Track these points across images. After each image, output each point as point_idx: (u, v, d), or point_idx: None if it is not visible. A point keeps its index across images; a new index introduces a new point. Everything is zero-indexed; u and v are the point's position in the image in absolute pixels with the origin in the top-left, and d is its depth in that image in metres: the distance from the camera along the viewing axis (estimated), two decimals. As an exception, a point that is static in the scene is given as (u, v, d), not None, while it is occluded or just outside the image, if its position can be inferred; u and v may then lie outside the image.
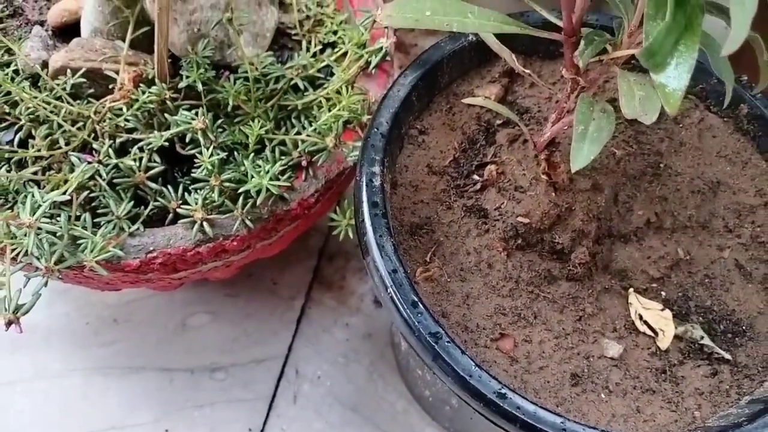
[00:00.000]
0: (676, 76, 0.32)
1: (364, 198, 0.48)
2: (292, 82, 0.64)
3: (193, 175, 0.57)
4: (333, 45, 0.71)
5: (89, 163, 0.56)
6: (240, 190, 0.56)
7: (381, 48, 0.62)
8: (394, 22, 0.39)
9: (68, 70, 0.61)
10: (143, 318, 0.77)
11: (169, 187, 0.58)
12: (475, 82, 0.58)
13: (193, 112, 0.59)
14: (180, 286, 0.66)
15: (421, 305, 0.44)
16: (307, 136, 0.59)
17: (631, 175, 0.54)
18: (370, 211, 0.47)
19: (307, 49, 0.69)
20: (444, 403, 0.65)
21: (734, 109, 0.57)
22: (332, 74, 0.66)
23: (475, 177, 0.54)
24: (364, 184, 0.48)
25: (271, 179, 0.56)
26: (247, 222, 0.56)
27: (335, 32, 0.71)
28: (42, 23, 0.70)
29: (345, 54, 0.67)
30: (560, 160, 0.50)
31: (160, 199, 0.58)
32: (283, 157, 0.59)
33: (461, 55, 0.57)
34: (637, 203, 0.53)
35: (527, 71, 0.47)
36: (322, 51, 0.70)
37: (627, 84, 0.37)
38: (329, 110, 0.61)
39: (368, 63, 0.64)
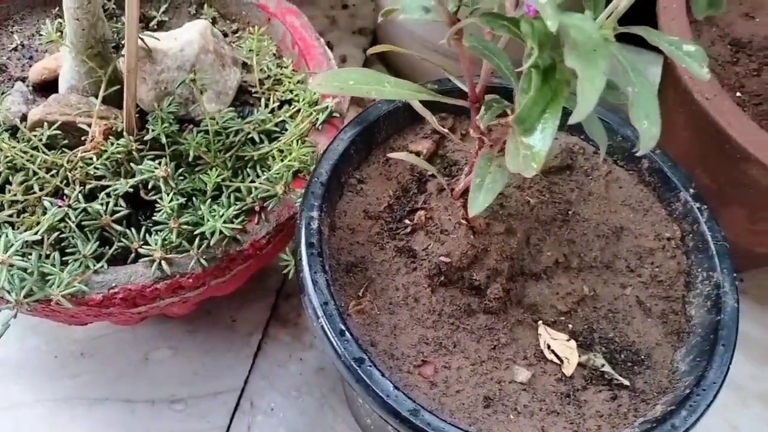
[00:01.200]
0: (541, 140, 0.39)
1: (302, 239, 0.54)
2: (249, 136, 0.71)
3: (154, 218, 0.63)
4: (289, 102, 0.78)
5: (60, 207, 0.62)
6: (196, 232, 0.62)
7: (327, 107, 0.70)
8: (323, 89, 0.46)
9: (45, 123, 0.68)
10: (108, 352, 0.82)
11: (133, 229, 0.64)
12: (409, 138, 0.66)
13: (157, 161, 0.65)
14: (141, 320, 0.72)
15: (348, 334, 0.50)
16: (261, 183, 0.66)
17: (543, 221, 0.61)
18: (307, 250, 0.54)
19: (266, 105, 0.76)
20: (382, 429, 0.70)
21: (637, 162, 0.64)
22: (287, 129, 0.74)
23: (407, 221, 0.61)
24: (303, 226, 0.55)
25: (224, 222, 0.63)
26: (202, 261, 0.63)
27: (292, 91, 0.78)
28: (24, 79, 0.77)
29: (299, 111, 0.74)
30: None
31: (123, 239, 0.64)
32: (238, 203, 0.66)
33: (396, 114, 0.64)
34: (547, 245, 0.59)
35: (445, 130, 0.54)
36: (279, 107, 0.77)
37: (514, 144, 0.44)
38: (281, 161, 0.68)
39: (318, 119, 0.72)
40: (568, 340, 0.57)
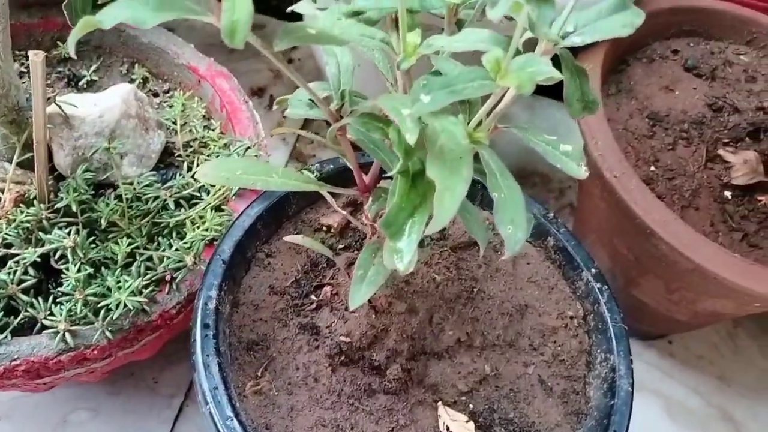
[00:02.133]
0: (407, 244, 0.40)
1: (198, 320, 0.54)
2: (166, 202, 0.71)
3: (59, 289, 0.63)
4: (215, 164, 0.78)
5: (-38, 277, 0.62)
6: (101, 304, 0.62)
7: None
8: (209, 179, 0.47)
9: (-43, 188, 0.67)
10: (25, 414, 0.81)
11: (40, 298, 0.64)
12: (321, 211, 0.66)
13: (68, 229, 0.65)
14: (51, 388, 0.70)
15: (235, 420, 0.50)
16: (172, 253, 0.66)
17: (448, 298, 0.61)
18: (201, 332, 0.53)
19: (189, 169, 0.76)
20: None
21: (544, 239, 0.65)
22: (208, 193, 0.74)
23: (313, 297, 0.61)
24: (199, 307, 0.55)
25: (132, 294, 0.62)
26: (107, 333, 0.62)
27: (217, 155, 0.79)
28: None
29: (219, 176, 0.74)
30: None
31: (30, 309, 0.63)
32: (149, 272, 0.66)
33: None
34: (450, 324, 0.60)
35: (343, 212, 0.54)
36: (204, 170, 0.77)
37: (386, 243, 0.44)
38: (196, 229, 0.68)
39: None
40: (467, 422, 0.57)
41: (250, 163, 0.47)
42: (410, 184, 0.41)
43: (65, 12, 0.51)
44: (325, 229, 0.65)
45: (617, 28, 0.43)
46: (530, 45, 0.45)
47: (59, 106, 0.68)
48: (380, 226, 0.40)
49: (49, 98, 0.67)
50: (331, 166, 0.64)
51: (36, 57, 0.55)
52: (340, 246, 0.65)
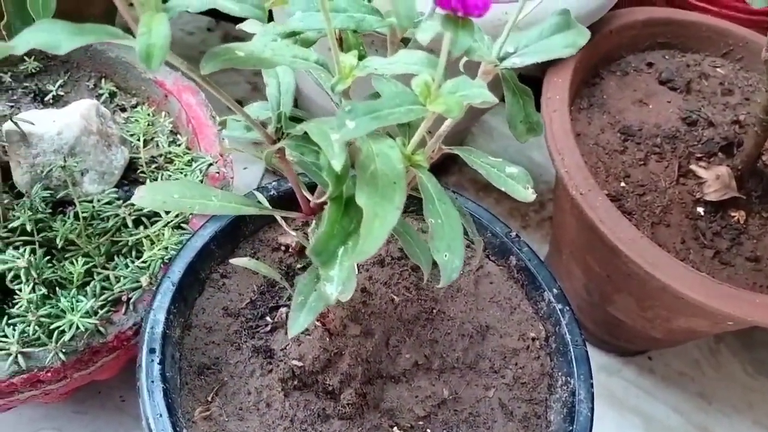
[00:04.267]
0: (339, 272, 0.38)
1: (144, 345, 0.53)
2: (125, 220, 0.70)
3: (11, 310, 0.62)
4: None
5: None
6: (54, 326, 0.61)
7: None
8: (145, 202, 0.46)
9: None
10: (-12, 434, 0.80)
11: (-6, 319, 0.63)
12: (280, 230, 0.65)
13: (23, 249, 0.64)
14: (8, 409, 0.69)
15: (178, 448, 0.49)
16: (128, 273, 0.65)
17: (406, 320, 0.60)
18: (146, 357, 0.52)
19: (153, 186, 0.75)
20: None
21: (507, 258, 0.64)
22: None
23: (268, 319, 0.60)
24: (146, 331, 0.53)
25: (86, 315, 0.61)
26: (60, 355, 0.61)
27: (181, 170, 0.78)
28: None
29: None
30: (329, 309, 0.56)
31: (-17, 330, 0.62)
32: (105, 292, 0.65)
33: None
34: (407, 346, 0.59)
35: (293, 234, 0.53)
36: (169, 186, 0.76)
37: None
38: (153, 248, 0.67)
39: (197, 204, 0.71)
40: (422, 447, 0.56)
41: (188, 185, 0.46)
42: (342, 210, 0.40)
43: (3, 31, 0.50)
44: (283, 248, 0.64)
45: (559, 49, 0.42)
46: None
47: (16, 124, 0.67)
48: (309, 253, 0.39)
49: (5, 115, 0.66)
50: (289, 185, 0.63)
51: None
52: (299, 266, 0.63)
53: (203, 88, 0.55)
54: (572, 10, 0.43)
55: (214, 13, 1.25)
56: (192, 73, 0.39)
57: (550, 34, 0.43)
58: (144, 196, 0.46)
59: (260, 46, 0.41)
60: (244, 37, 1.32)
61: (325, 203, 0.50)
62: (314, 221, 0.48)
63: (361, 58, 0.42)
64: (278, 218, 0.55)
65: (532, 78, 0.71)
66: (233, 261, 0.55)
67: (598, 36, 0.82)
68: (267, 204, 0.53)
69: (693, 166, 0.76)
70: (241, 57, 0.39)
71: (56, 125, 0.70)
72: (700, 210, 0.74)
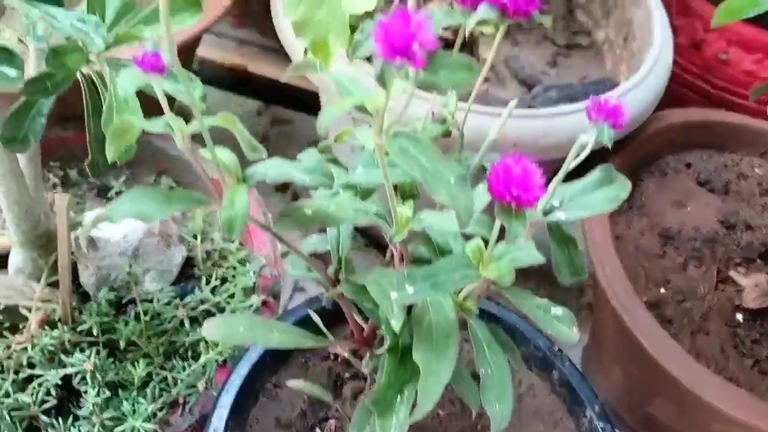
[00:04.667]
0: (395, 423, 0.41)
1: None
2: (182, 321, 0.73)
3: (79, 412, 0.66)
4: (234, 277, 0.81)
5: (-14, 402, 0.65)
6: (116, 430, 0.64)
7: (252, 305, 0.73)
8: (214, 335, 0.49)
9: (-11, 306, 0.71)
10: None
11: (61, 419, 0.66)
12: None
13: (89, 350, 0.68)
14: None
15: None
16: (187, 376, 0.68)
17: (451, 435, 0.62)
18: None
19: (207, 282, 0.79)
20: None
21: (549, 372, 0.66)
22: (223, 310, 0.76)
23: (317, 430, 0.62)
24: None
25: (146, 419, 0.65)
26: (121, 456, 0.64)
27: (234, 267, 0.81)
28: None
29: (234, 295, 0.77)
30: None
31: (50, 429, 0.66)
32: (163, 393, 0.68)
33: (320, 314, 0.67)
34: (452, 462, 0.60)
35: (345, 353, 0.56)
36: (222, 283, 0.80)
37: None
38: (209, 351, 0.71)
39: (250, 306, 0.74)
40: None
41: (252, 320, 0.50)
42: (399, 360, 0.43)
43: (88, 169, 0.55)
44: (332, 357, 0.67)
45: (602, 204, 0.45)
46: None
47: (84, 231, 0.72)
48: (369, 404, 0.42)
49: (75, 224, 0.71)
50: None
51: (61, 201, 0.59)
52: (347, 375, 0.66)
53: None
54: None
55: (263, 97, 1.31)
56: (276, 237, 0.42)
57: (593, 189, 0.46)
58: (213, 330, 0.49)
59: (325, 201, 0.44)
60: (293, 119, 1.38)
61: (376, 331, 0.53)
62: (367, 353, 0.51)
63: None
64: (324, 330, 0.58)
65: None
66: (290, 384, 0.58)
67: (637, 140, 0.85)
68: (323, 326, 0.56)
69: (732, 273, 0.77)
70: (309, 215, 0.43)
71: (122, 229, 0.75)
72: (739, 317, 0.75)
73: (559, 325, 0.47)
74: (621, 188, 0.46)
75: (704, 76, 0.99)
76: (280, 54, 0.99)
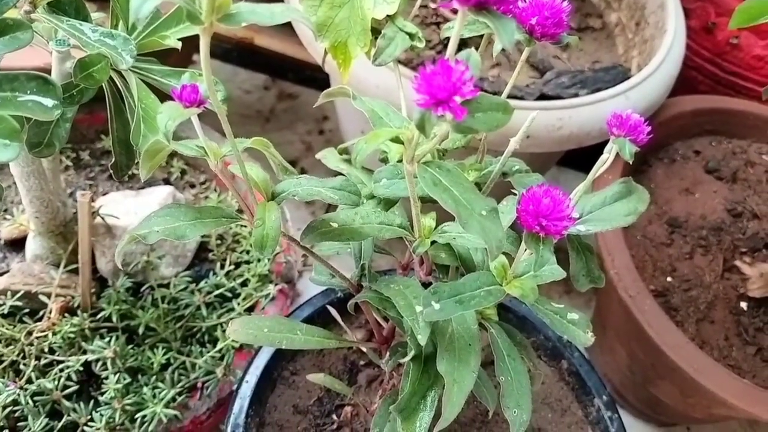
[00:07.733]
0: (421, 427, 0.43)
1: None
2: (199, 307, 0.75)
3: (100, 397, 0.68)
4: (248, 262, 0.82)
5: (11, 389, 0.66)
6: (137, 415, 0.66)
7: (269, 294, 0.74)
8: (238, 336, 0.51)
9: (9, 292, 0.72)
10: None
11: (82, 403, 0.68)
12: (347, 324, 0.70)
13: (109, 336, 0.70)
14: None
15: None
16: (203, 363, 0.70)
17: (462, 422, 0.64)
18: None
19: (222, 267, 0.80)
20: None
21: (558, 361, 0.68)
22: (239, 295, 0.78)
23: (334, 417, 0.64)
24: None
25: (167, 404, 0.67)
26: (142, 440, 0.66)
27: (248, 251, 0.83)
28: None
29: (248, 281, 0.78)
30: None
31: (72, 414, 0.68)
32: (182, 377, 0.70)
33: (334, 304, 0.68)
34: (464, 450, 0.63)
35: (364, 348, 0.58)
36: (237, 267, 0.82)
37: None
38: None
39: (267, 295, 0.76)
40: None
41: (277, 320, 0.51)
42: (422, 368, 0.44)
43: (111, 170, 0.55)
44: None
45: (621, 218, 0.46)
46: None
47: (102, 218, 0.73)
48: (393, 410, 0.43)
49: (94, 212, 0.72)
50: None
51: (83, 198, 0.59)
52: (362, 362, 0.68)
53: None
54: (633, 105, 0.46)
55: (270, 71, 1.30)
56: (297, 245, 0.44)
57: (612, 201, 0.47)
58: (238, 330, 0.51)
59: (350, 213, 0.45)
60: (299, 94, 1.38)
61: (394, 331, 0.55)
62: (388, 352, 0.52)
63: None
64: (344, 326, 0.59)
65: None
66: (310, 377, 0.59)
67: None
68: (343, 324, 0.58)
69: (737, 262, 0.79)
70: (335, 229, 0.44)
71: (138, 217, 0.76)
72: (744, 305, 0.77)
73: (575, 329, 0.48)
74: (639, 201, 0.47)
75: (714, 60, 0.99)
76: (287, 27, 0.99)
